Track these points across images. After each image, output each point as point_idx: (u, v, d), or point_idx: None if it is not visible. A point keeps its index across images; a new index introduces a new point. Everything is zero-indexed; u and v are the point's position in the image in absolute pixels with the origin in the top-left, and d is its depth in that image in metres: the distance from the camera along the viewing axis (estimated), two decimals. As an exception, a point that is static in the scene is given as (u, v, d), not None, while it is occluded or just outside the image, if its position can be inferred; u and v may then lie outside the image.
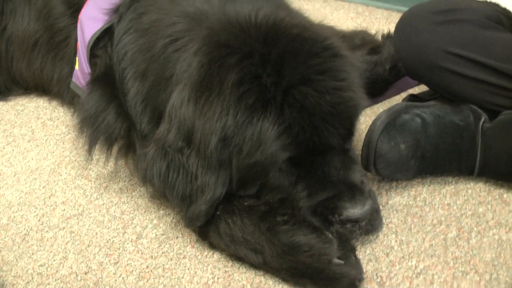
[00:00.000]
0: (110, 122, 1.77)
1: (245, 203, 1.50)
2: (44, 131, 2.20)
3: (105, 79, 1.80)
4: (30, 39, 2.26)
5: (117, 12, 1.81)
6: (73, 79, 2.01)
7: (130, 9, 1.78)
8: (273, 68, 1.42)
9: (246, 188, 1.51)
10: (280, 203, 1.49)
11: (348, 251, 1.41)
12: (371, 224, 1.52)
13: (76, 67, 1.98)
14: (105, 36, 1.84)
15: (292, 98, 1.39)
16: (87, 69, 1.91)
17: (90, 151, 1.81)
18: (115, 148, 1.83)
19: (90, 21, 1.87)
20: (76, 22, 2.01)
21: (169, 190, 1.54)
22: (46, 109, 2.36)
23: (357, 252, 1.48)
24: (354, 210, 1.45)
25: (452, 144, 1.66)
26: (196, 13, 1.63)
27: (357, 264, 1.40)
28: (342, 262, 1.37)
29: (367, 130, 1.70)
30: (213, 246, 1.57)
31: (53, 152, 2.07)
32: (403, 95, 2.21)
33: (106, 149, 1.80)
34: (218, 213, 1.50)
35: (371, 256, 1.52)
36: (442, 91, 1.78)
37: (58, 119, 2.29)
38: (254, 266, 1.49)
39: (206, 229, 1.54)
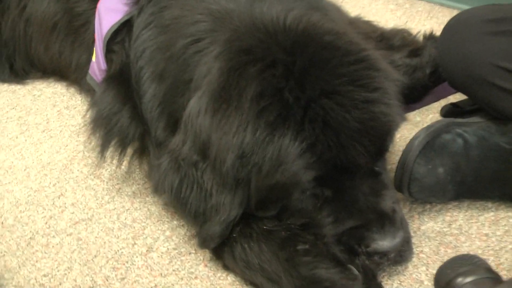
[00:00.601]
0: (123, 125, 1.66)
1: (264, 227, 1.38)
2: (59, 121, 2.10)
3: (121, 78, 1.68)
4: (49, 21, 2.15)
5: (137, 3, 1.67)
6: (90, 71, 1.89)
7: (151, 2, 1.64)
8: (296, 80, 1.28)
9: (266, 209, 1.39)
10: (302, 229, 1.36)
11: None
12: (401, 255, 1.39)
13: (93, 58, 1.86)
14: (123, 30, 1.71)
15: (313, 113, 1.26)
16: (103, 64, 1.79)
17: (102, 153, 1.70)
18: (129, 151, 1.72)
19: (109, 12, 1.74)
20: (96, 7, 1.88)
21: (181, 206, 1.43)
22: (63, 96, 2.26)
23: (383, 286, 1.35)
24: (383, 243, 1.31)
25: (496, 170, 1.51)
26: (221, 12, 1.48)
27: None
28: None
29: (402, 144, 1.55)
30: (227, 268, 1.45)
31: (67, 146, 1.97)
32: (443, 102, 2.05)
33: (119, 152, 1.69)
34: (234, 235, 1.39)
35: (398, 291, 1.39)
36: (488, 108, 1.61)
37: (75, 108, 2.18)
38: (270, 294, 1.38)
39: (221, 249, 1.43)
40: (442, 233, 1.54)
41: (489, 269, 1.01)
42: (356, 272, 1.28)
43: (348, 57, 1.32)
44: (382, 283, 1.38)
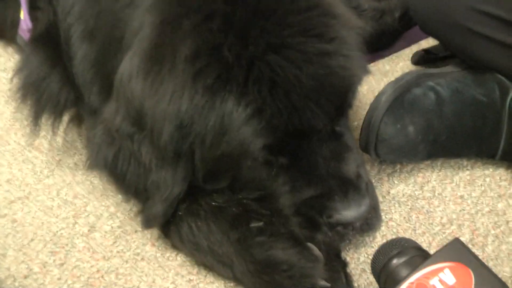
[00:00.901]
0: (53, 91, 1.47)
1: (213, 203, 1.23)
2: (-5, 86, 1.89)
3: (48, 39, 1.47)
4: None
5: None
6: (19, 30, 1.67)
7: None
8: (237, 34, 1.10)
9: (215, 181, 1.24)
10: (257, 204, 1.21)
11: (337, 270, 1.15)
12: (368, 223, 1.26)
13: (21, 16, 1.64)
14: None
15: (258, 71, 1.08)
16: (28, 23, 1.58)
17: (35, 122, 1.52)
18: (65, 119, 1.53)
19: (32, -41, 1.52)
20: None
21: (119, 182, 1.29)
22: (0, 56, 2.04)
23: (348, 263, 1.22)
24: (347, 212, 1.17)
25: (472, 127, 1.36)
26: None
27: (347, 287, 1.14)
28: (329, 285, 1.11)
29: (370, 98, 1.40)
30: (176, 247, 1.31)
31: (3, 114, 1.77)
32: (414, 48, 1.88)
33: (53, 120, 1.51)
34: (180, 213, 1.24)
35: (365, 265, 1.27)
36: (464, 56, 1.45)
37: (14, 70, 1.96)
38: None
39: (168, 227, 1.28)
40: (414, 197, 1.40)
41: (418, 248, 1.04)
42: (317, 252, 1.14)
43: (298, 4, 1.14)
44: (348, 257, 1.26)
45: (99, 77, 1.36)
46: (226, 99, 1.08)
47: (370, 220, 1.26)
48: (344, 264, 1.19)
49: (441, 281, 0.92)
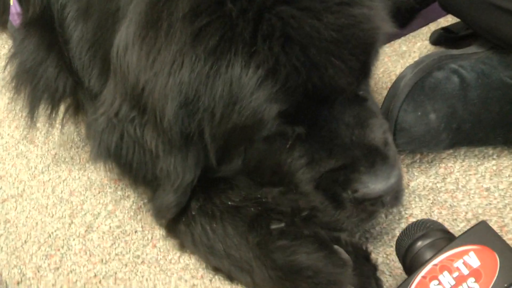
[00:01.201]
0: (50, 78, 1.35)
1: (230, 202, 1.11)
2: (-12, 75, 1.79)
3: (42, 22, 1.36)
4: None
5: None
6: (9, 17, 1.56)
7: None
8: None
9: (228, 160, 1.11)
10: (275, 204, 1.09)
11: (367, 275, 1.04)
12: (396, 197, 1.10)
13: (11, 1, 1.53)
14: None
15: (267, 25, 0.95)
16: (17, 7, 1.47)
17: (32, 114, 1.40)
18: (61, 109, 1.43)
19: None
20: None
21: (125, 172, 1.17)
22: (-6, 43, 1.94)
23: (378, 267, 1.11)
24: (375, 186, 1.02)
25: (499, 113, 1.24)
26: None
27: None
28: None
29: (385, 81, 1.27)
30: (182, 246, 1.21)
31: (-4, 105, 1.68)
32: (432, 26, 1.75)
33: (49, 111, 1.39)
34: (193, 213, 1.13)
35: (384, 266, 1.16)
36: (489, 35, 1.32)
37: (7, 57, 1.86)
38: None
39: (177, 227, 1.18)
40: (436, 189, 1.29)
41: (444, 230, 0.99)
42: (345, 255, 1.02)
43: None
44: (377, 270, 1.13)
45: (98, 58, 1.24)
46: (233, 62, 0.95)
47: (399, 193, 1.10)
48: (375, 268, 1.06)
49: (465, 263, 0.87)
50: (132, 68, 1.04)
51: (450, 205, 1.26)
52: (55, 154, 1.49)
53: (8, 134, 1.57)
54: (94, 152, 1.19)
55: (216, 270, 1.16)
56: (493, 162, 1.33)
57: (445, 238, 0.96)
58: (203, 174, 1.12)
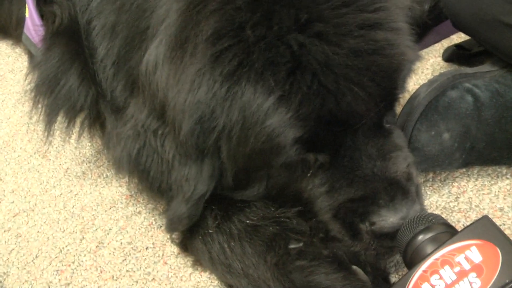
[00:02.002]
0: (72, 87, 1.35)
1: (248, 221, 1.11)
2: (2, 88, 1.82)
3: (69, 34, 1.37)
4: None
5: None
6: (24, 29, 1.58)
7: None
8: (265, 12, 0.97)
9: (250, 185, 1.12)
10: (294, 223, 1.09)
11: None
12: None
13: (26, 14, 1.54)
14: None
15: (274, 54, 0.96)
16: (37, 19, 1.48)
17: (49, 128, 1.40)
18: (78, 120, 1.42)
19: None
20: None
21: (142, 178, 1.18)
22: (8, 57, 1.97)
23: None
24: (393, 220, 1.01)
25: (514, 133, 1.23)
26: None
27: None
28: None
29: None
30: (193, 264, 1.21)
31: (9, 118, 1.69)
32: (445, 43, 1.75)
33: (67, 122, 1.39)
34: (210, 231, 1.12)
35: (397, 287, 1.14)
36: (502, 54, 1.32)
37: (21, 71, 1.90)
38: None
39: (193, 244, 1.17)
40: (448, 209, 1.28)
41: (446, 224, 0.97)
42: (363, 276, 1.01)
43: None
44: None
45: (123, 73, 1.26)
46: (246, 88, 0.96)
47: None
48: None
49: (467, 258, 0.86)
50: (161, 86, 1.07)
51: (463, 224, 1.24)
52: (67, 168, 1.49)
53: (21, 148, 1.58)
54: (116, 156, 1.21)
55: (230, 287, 1.15)
56: (507, 181, 1.32)
57: (447, 232, 0.94)
58: (220, 192, 1.13)
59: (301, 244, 1.05)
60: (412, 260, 0.95)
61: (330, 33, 0.96)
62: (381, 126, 1.06)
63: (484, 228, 0.89)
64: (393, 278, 1.13)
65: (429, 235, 0.94)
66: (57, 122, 1.41)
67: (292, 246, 1.05)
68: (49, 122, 1.40)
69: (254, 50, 0.96)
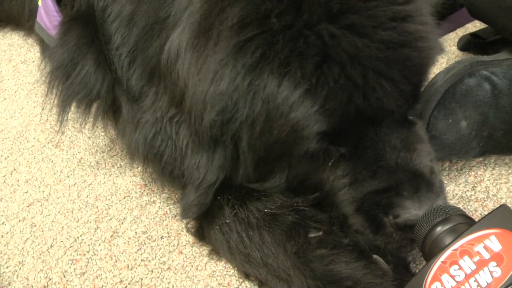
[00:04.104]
0: (88, 73, 1.33)
1: (266, 210, 1.09)
2: (15, 79, 1.82)
3: (86, 19, 1.35)
4: None
5: None
6: (37, 18, 1.57)
7: None
8: (291, 1, 0.94)
9: (271, 175, 1.10)
10: (313, 212, 1.07)
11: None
12: None
13: (39, 2, 1.54)
14: None
15: (303, 44, 0.93)
16: (53, 6, 1.47)
17: (63, 114, 1.39)
18: (93, 107, 1.41)
19: None
20: None
21: (156, 162, 1.18)
22: (20, 48, 1.97)
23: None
24: (418, 212, 0.98)
25: (533, 121, 1.21)
26: None
27: None
28: None
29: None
30: (209, 253, 1.20)
31: (22, 109, 1.69)
32: (459, 32, 1.73)
33: (83, 109, 1.37)
34: (228, 221, 1.11)
35: (414, 276, 1.13)
36: (521, 42, 1.30)
37: (33, 61, 1.89)
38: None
39: (211, 234, 1.16)
40: (465, 198, 1.27)
41: (463, 215, 0.96)
42: (384, 265, 1.00)
43: None
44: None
45: (139, 62, 1.24)
46: (269, 80, 0.94)
47: None
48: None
49: (486, 247, 0.85)
50: (182, 74, 1.05)
51: (480, 214, 1.23)
52: (81, 158, 1.49)
53: (34, 138, 1.58)
54: (131, 139, 1.21)
55: (246, 276, 1.15)
56: (525, 170, 1.31)
57: (465, 223, 0.93)
58: (240, 183, 1.12)
59: (321, 233, 1.04)
60: (430, 252, 0.94)
61: (362, 24, 0.93)
62: (405, 118, 1.05)
63: (502, 217, 0.88)
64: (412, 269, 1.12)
65: (447, 226, 0.93)
66: (71, 111, 1.40)
67: (312, 234, 1.04)
68: (63, 109, 1.39)
69: (278, 40, 0.93)
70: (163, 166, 1.17)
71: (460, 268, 0.84)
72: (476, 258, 0.84)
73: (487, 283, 0.82)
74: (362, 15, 0.93)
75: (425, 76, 1.03)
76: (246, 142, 1.04)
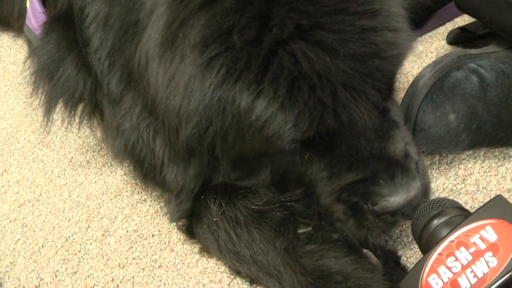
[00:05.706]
0: (70, 76, 1.32)
1: (253, 207, 1.09)
2: (4, 80, 1.81)
3: (66, 20, 1.34)
4: None
5: None
6: (26, 20, 1.57)
7: None
8: (253, 15, 0.93)
9: (254, 173, 1.11)
10: (301, 207, 1.08)
11: (397, 280, 0.99)
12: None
13: (27, 4, 1.54)
14: None
15: (278, 65, 0.92)
16: (38, 6, 1.47)
17: (48, 114, 1.38)
18: (78, 109, 1.41)
19: None
20: None
21: (137, 169, 1.19)
22: (10, 48, 1.97)
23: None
24: (394, 198, 1.00)
25: (521, 113, 1.22)
26: None
27: None
28: None
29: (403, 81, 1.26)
30: (200, 251, 1.21)
31: (13, 110, 1.69)
32: (449, 26, 1.73)
33: (68, 111, 1.37)
34: (215, 219, 1.12)
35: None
36: (509, 35, 1.30)
37: (23, 62, 1.86)
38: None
39: (196, 229, 1.17)
40: (455, 191, 1.27)
41: (459, 207, 0.97)
42: (374, 260, 1.00)
43: None
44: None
45: (118, 65, 1.23)
46: (239, 97, 0.94)
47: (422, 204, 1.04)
48: (405, 272, 1.03)
49: (482, 238, 0.86)
50: (152, 83, 1.05)
51: (471, 207, 1.23)
52: (71, 158, 1.49)
53: (25, 139, 1.58)
54: (114, 146, 1.21)
55: (238, 273, 1.15)
56: (514, 162, 1.31)
57: (461, 215, 0.94)
58: (225, 182, 1.13)
59: (310, 228, 1.04)
60: (427, 245, 0.94)
61: (331, 39, 0.92)
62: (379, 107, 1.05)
63: (497, 207, 0.89)
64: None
65: (443, 219, 0.94)
66: (57, 111, 1.39)
67: (301, 230, 1.04)
68: (49, 110, 1.38)
69: (242, 57, 0.92)
70: (144, 173, 1.18)
71: (457, 259, 0.85)
72: (472, 249, 0.85)
73: (483, 273, 0.82)
74: (331, 30, 0.92)
75: (394, 78, 1.04)
76: (220, 149, 1.05)
